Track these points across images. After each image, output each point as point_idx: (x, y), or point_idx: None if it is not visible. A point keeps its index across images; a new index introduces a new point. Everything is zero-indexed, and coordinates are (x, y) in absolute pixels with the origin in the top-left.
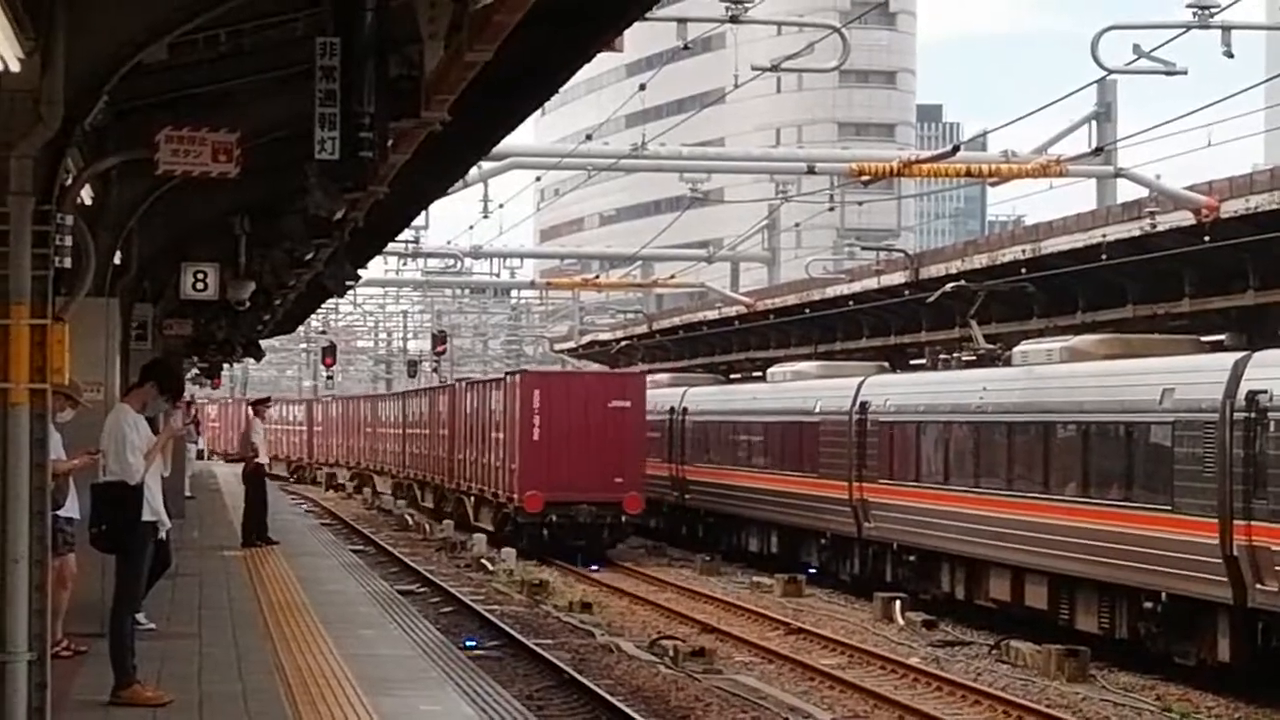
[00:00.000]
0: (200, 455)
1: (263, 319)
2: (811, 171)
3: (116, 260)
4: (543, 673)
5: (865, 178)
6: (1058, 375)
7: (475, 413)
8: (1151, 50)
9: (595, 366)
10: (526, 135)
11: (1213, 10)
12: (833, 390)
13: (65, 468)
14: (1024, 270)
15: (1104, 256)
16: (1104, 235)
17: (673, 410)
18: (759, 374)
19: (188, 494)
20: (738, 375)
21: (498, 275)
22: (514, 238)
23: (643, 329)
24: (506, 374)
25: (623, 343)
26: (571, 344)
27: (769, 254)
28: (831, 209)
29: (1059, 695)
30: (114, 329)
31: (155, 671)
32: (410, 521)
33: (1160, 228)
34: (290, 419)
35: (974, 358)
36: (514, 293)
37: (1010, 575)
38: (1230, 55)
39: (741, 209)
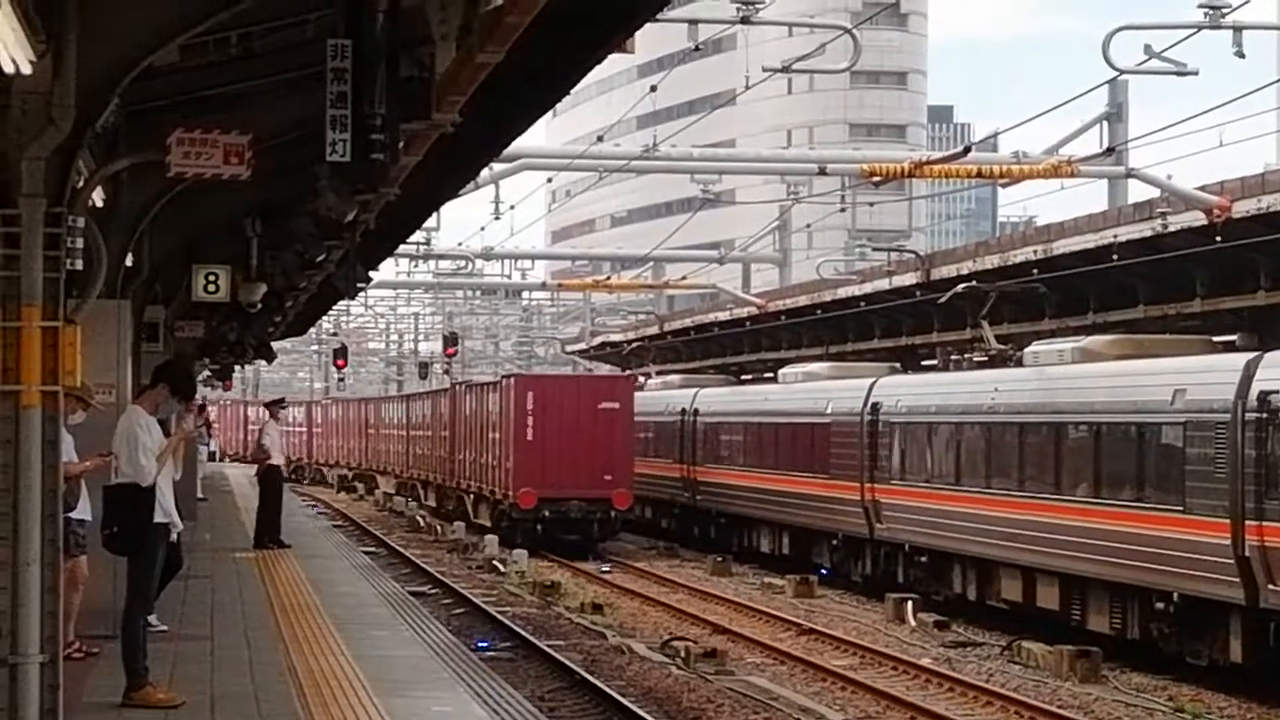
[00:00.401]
0: (212, 457)
1: (274, 321)
2: (823, 172)
3: (128, 262)
4: (554, 674)
5: (876, 179)
6: (1069, 376)
7: (473, 414)
8: (1163, 50)
9: (606, 368)
10: (538, 137)
11: (1224, 10)
12: (844, 391)
13: (77, 470)
14: (1035, 271)
15: (1115, 257)
16: (1115, 236)
17: (684, 411)
18: (770, 375)
19: (200, 496)
20: (749, 376)
21: (509, 277)
22: (525, 239)
23: (654, 330)
24: (502, 377)
25: (634, 344)
26: (583, 345)
27: (780, 255)
28: (843, 210)
29: (1071, 696)
30: (125, 331)
31: (167, 673)
32: (422, 523)
33: (1172, 228)
34: (290, 421)
35: (985, 358)
36: (525, 294)
37: (1022, 576)
38: (1241, 55)
39: (753, 210)
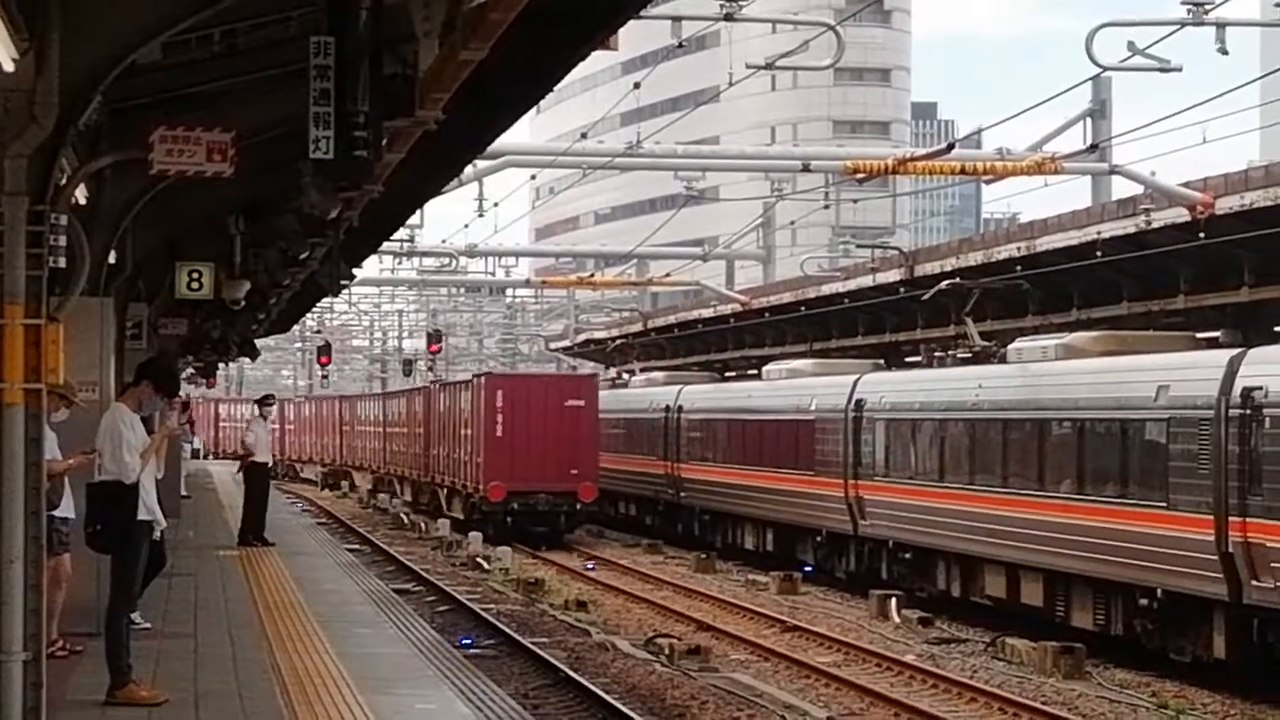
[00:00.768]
0: (196, 454)
1: (258, 318)
2: (806, 169)
3: (111, 260)
4: (538, 671)
5: (860, 175)
6: (1053, 372)
7: (447, 412)
8: (1146, 47)
9: (590, 365)
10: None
11: (1207, 7)
12: (828, 388)
13: (60, 468)
14: (1019, 267)
15: (1099, 253)
16: (1099, 232)
17: (668, 408)
18: (754, 372)
19: (183, 493)
20: (733, 373)
21: (493, 274)
22: (509, 236)
23: (638, 327)
24: (473, 376)
25: (618, 341)
26: (567, 343)
27: (764, 252)
28: (826, 207)
29: (1055, 692)
30: (109, 329)
31: (151, 671)
32: (406, 520)
33: (1155, 224)
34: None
35: (969, 355)
36: (509, 291)
37: (1006, 572)
38: (1225, 52)
39: (737, 207)
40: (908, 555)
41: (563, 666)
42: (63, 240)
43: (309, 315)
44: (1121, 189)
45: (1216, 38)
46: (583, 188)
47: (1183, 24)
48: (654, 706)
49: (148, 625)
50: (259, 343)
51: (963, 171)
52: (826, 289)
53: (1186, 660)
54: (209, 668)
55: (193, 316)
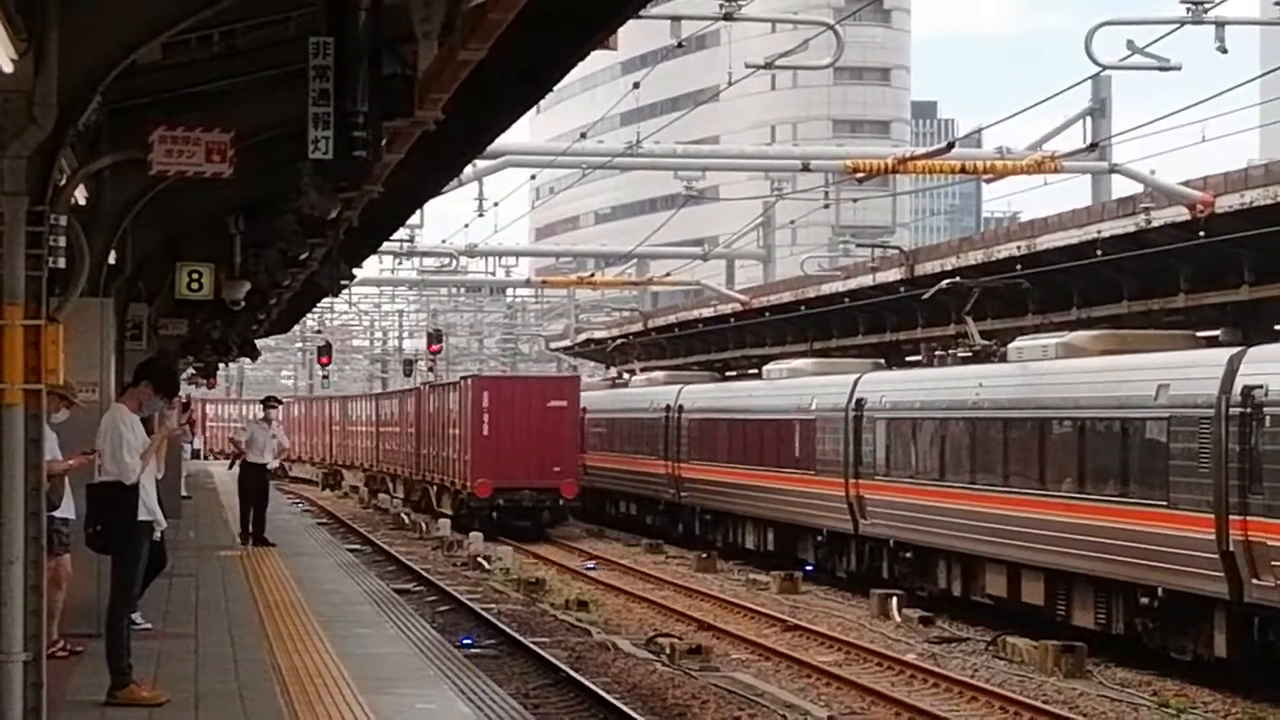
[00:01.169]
0: (196, 455)
1: (258, 318)
2: (806, 169)
3: (111, 260)
4: (539, 671)
5: (860, 175)
6: (1053, 371)
7: (437, 412)
8: (1146, 46)
9: (591, 365)
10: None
11: (1206, 6)
12: (828, 387)
13: (60, 468)
14: (1019, 266)
15: (1099, 252)
16: (1099, 231)
17: (668, 408)
18: (755, 371)
19: (184, 494)
20: (734, 373)
21: (493, 274)
22: (509, 236)
23: (638, 327)
24: (461, 378)
25: (618, 341)
26: (567, 342)
27: (764, 251)
28: (826, 206)
29: (1056, 691)
30: (109, 329)
31: (151, 671)
32: (406, 520)
33: (1155, 223)
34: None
35: (969, 354)
36: (509, 291)
37: (1007, 571)
38: (1224, 50)
39: (736, 206)
40: (909, 554)
41: (563, 666)
42: (62, 241)
43: (309, 315)
44: (1121, 188)
45: (1216, 36)
46: (583, 187)
47: (1182, 23)
48: (655, 706)
49: (148, 626)
50: (259, 343)
51: (963, 171)
52: (827, 288)
53: (1187, 659)
54: (210, 668)
55: (193, 317)
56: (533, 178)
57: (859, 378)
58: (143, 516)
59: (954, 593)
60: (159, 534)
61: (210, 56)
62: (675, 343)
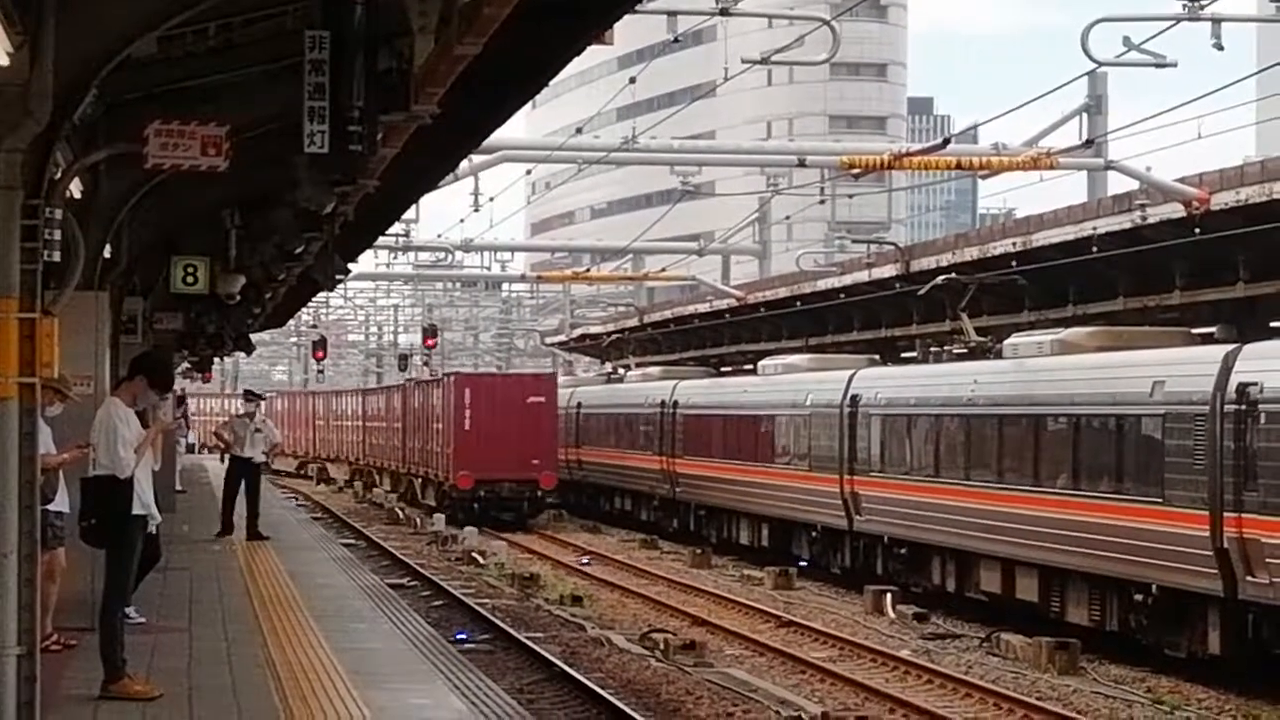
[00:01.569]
0: (191, 449)
1: (253, 313)
2: (802, 164)
3: (106, 254)
4: (533, 666)
5: (856, 170)
6: (1048, 368)
7: (421, 408)
8: (1142, 43)
9: (586, 360)
10: (517, 128)
11: (1203, 2)
12: (824, 383)
13: (55, 462)
14: (1015, 263)
15: (1095, 249)
16: (1094, 228)
17: (663, 404)
18: (750, 367)
19: (178, 488)
20: (729, 368)
21: (488, 269)
22: (505, 231)
23: (634, 322)
24: (443, 375)
25: (614, 336)
26: (562, 337)
27: (760, 247)
28: (822, 202)
29: (1050, 688)
30: (104, 323)
31: (145, 665)
32: (401, 515)
33: (1151, 220)
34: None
35: (965, 351)
36: (505, 286)
37: (1001, 568)
38: (1220, 47)
39: (732, 202)
40: (903, 550)
41: (558, 661)
42: (58, 234)
43: (304, 310)
44: (1117, 184)
45: (1212, 33)
46: (579, 182)
47: (1178, 19)
48: (649, 701)
49: (142, 619)
50: (254, 337)
51: (959, 167)
52: (822, 284)
53: (1181, 656)
54: (204, 662)
55: (188, 311)
56: (528, 173)
57: (854, 374)
58: (137, 510)
59: (948, 589)
60: (154, 528)
61: (206, 50)
62: (671, 338)
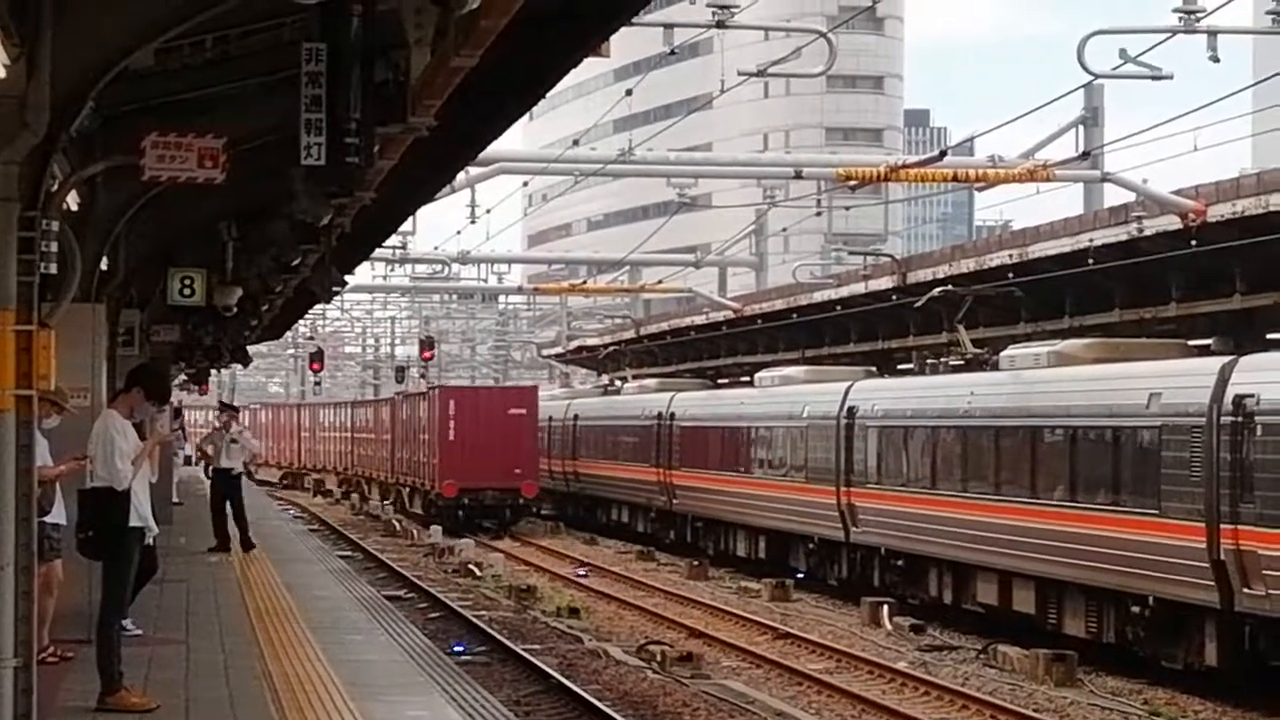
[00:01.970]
0: (188, 461)
1: (250, 325)
2: (799, 176)
3: (103, 266)
4: (530, 678)
5: (853, 182)
6: (1045, 380)
7: (409, 420)
8: (1138, 55)
9: (583, 372)
10: (514, 140)
11: (1199, 15)
12: (820, 395)
13: (52, 474)
14: (1011, 275)
15: (1091, 261)
16: (1091, 240)
17: (660, 415)
18: (747, 379)
19: (175, 500)
20: (725, 380)
21: (485, 281)
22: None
23: (630, 334)
24: (429, 389)
25: (610, 348)
26: (559, 349)
27: (756, 259)
28: (819, 214)
29: (1047, 699)
30: (100, 335)
31: (142, 677)
32: (398, 527)
33: (1147, 232)
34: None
35: (961, 362)
36: (502, 298)
37: (998, 580)
38: (1216, 60)
39: (729, 214)
40: (900, 562)
41: (555, 673)
42: (54, 246)
43: (301, 322)
44: (1114, 196)
45: (1208, 45)
46: (575, 194)
47: (1174, 32)
48: (646, 713)
49: (139, 631)
50: (251, 349)
51: (955, 179)
52: (819, 296)
53: (1178, 668)
54: (200, 674)
55: (185, 323)
56: (525, 184)
57: (851, 385)
58: (134, 522)
59: (945, 601)
60: (151, 540)
61: (203, 62)
62: (667, 350)
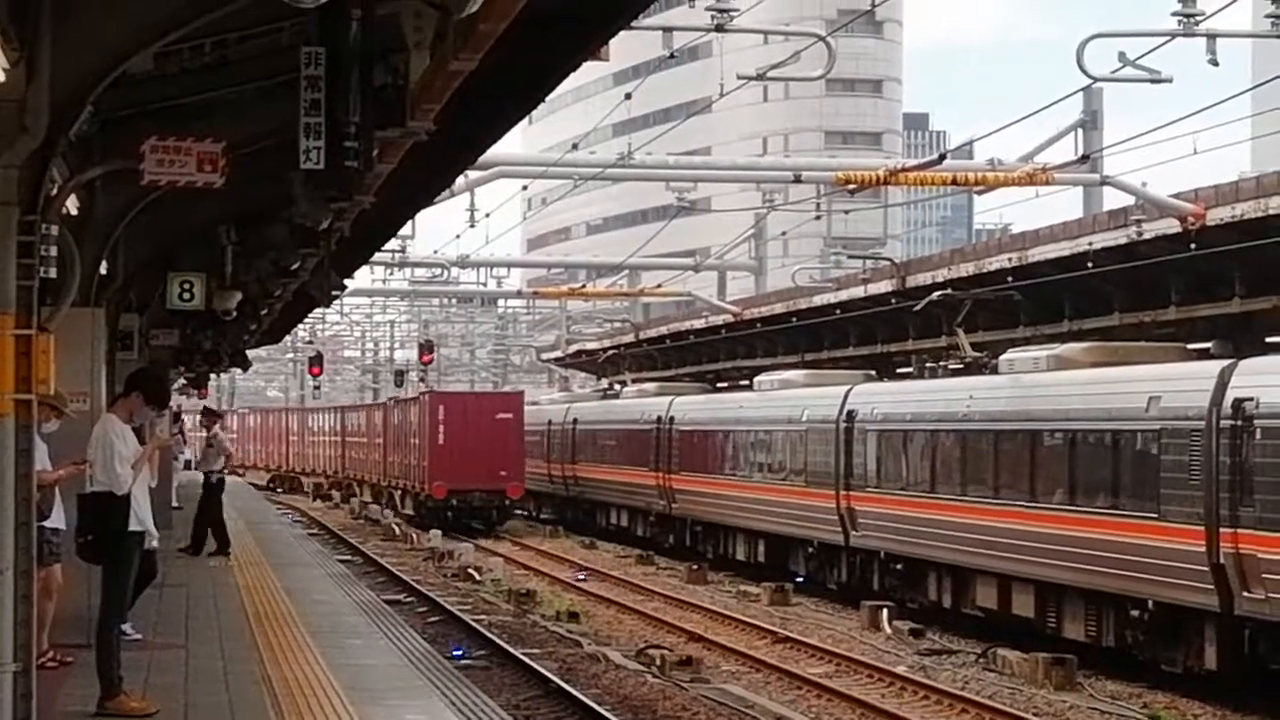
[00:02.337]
0: (188, 465)
1: (249, 329)
2: (798, 180)
3: (102, 270)
4: (530, 682)
5: (852, 186)
6: (1044, 383)
7: (400, 424)
8: (1137, 58)
9: (582, 376)
10: (513, 144)
11: (1198, 18)
12: (820, 399)
13: (51, 478)
14: (1010, 278)
15: (1090, 264)
16: (1090, 243)
17: (659, 419)
18: (746, 383)
19: (174, 504)
20: (725, 384)
21: (484, 284)
22: (501, 247)
23: (630, 338)
24: (419, 394)
25: (610, 352)
26: (558, 353)
27: (756, 263)
28: (818, 217)
29: (1046, 703)
30: (100, 339)
31: (142, 682)
32: (397, 531)
33: (1146, 235)
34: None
35: (961, 366)
36: (501, 302)
37: (997, 584)
38: (1215, 63)
39: (728, 218)
40: (899, 566)
41: (554, 678)
42: (53, 250)
43: (301, 326)
44: (1113, 200)
45: (1207, 49)
46: (574, 198)
47: (1173, 35)
48: (645, 718)
49: (139, 636)
50: (250, 353)
51: (954, 182)
52: (818, 300)
53: (1178, 671)
54: (200, 679)
55: (184, 327)
56: (524, 188)
57: (850, 389)
58: (133, 527)
59: (944, 605)
60: (153, 544)
61: (202, 66)
62: (666, 354)
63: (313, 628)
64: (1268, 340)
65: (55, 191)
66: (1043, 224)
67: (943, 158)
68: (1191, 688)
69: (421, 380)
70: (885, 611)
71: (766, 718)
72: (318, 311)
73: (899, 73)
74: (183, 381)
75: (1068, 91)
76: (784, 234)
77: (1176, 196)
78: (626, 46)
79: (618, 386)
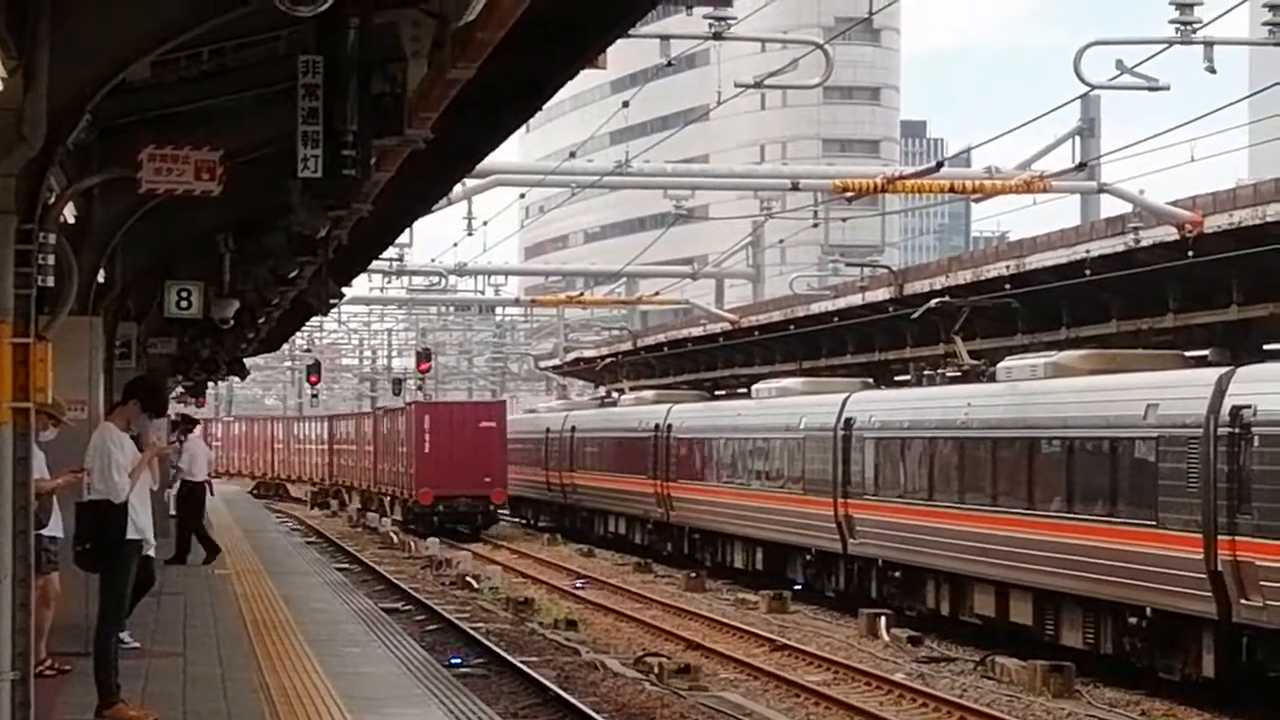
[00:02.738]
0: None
1: (247, 337)
2: (795, 188)
3: (100, 279)
4: (528, 690)
5: (849, 194)
6: (1042, 391)
7: (389, 433)
8: (1134, 66)
9: (580, 384)
10: (511, 152)
11: (1195, 26)
12: (818, 407)
13: (49, 486)
14: (1008, 286)
15: (1088, 272)
16: (1088, 251)
17: (657, 427)
18: (744, 391)
19: (171, 513)
20: (723, 392)
21: (482, 293)
22: (498, 255)
23: (627, 346)
24: (405, 404)
25: (607, 360)
26: (556, 361)
27: (753, 271)
28: (816, 225)
29: (1044, 711)
30: (98, 348)
31: (139, 690)
32: (395, 539)
33: (1144, 243)
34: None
35: (958, 374)
36: (499, 310)
37: (995, 591)
38: (1213, 71)
39: (726, 226)
40: (897, 574)
41: (552, 685)
42: (51, 259)
43: (298, 334)
44: (1110, 207)
45: (1205, 56)
46: (572, 206)
47: (1171, 43)
48: None
49: (137, 644)
50: (248, 362)
51: (952, 190)
52: (816, 308)
53: (1176, 679)
54: (198, 687)
55: (182, 335)
56: (522, 196)
57: (848, 397)
58: (131, 535)
59: (942, 612)
60: (151, 552)
61: (200, 75)
62: (664, 362)
63: (311, 636)
64: (1265, 347)
65: (53, 200)
66: (1040, 231)
67: (940, 165)
68: (1189, 695)
69: (419, 389)
70: (883, 619)
71: None
72: (315, 320)
73: (896, 80)
74: (180, 390)
75: (1066, 99)
76: (781, 242)
77: (1174, 204)
78: (624, 54)
79: (615, 394)
